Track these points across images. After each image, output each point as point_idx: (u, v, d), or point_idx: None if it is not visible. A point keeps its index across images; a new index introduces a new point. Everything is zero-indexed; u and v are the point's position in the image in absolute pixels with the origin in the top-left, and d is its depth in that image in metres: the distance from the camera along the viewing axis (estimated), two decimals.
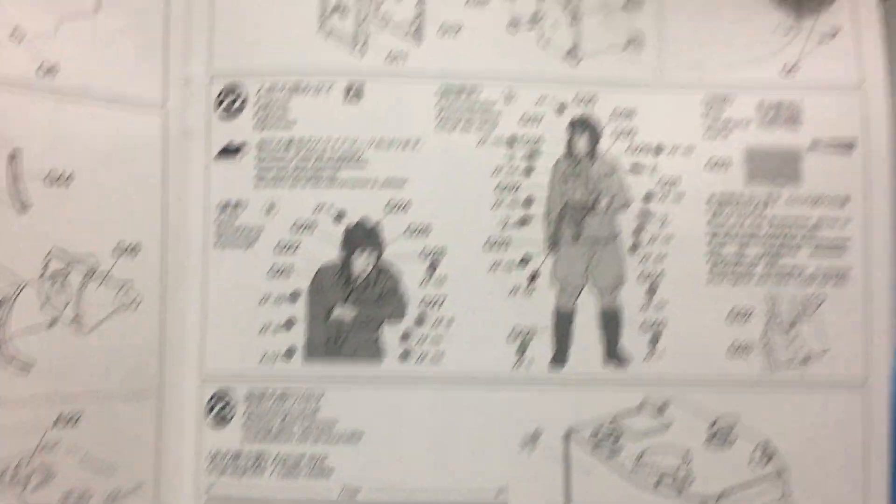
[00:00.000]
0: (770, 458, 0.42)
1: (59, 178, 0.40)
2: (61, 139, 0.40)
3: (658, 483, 0.42)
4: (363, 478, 0.41)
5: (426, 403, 0.41)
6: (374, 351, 0.41)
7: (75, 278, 0.40)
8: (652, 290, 0.42)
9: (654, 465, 0.42)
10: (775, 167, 0.43)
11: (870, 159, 0.43)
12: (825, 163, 0.43)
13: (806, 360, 0.42)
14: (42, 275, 0.39)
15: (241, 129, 0.42)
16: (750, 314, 0.43)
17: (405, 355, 0.41)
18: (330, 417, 0.41)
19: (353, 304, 0.42)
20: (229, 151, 0.42)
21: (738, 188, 0.43)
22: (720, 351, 0.42)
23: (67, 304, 0.39)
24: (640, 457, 0.42)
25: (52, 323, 0.39)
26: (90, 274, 0.40)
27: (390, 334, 0.42)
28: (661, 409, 0.42)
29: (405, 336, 0.42)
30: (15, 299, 0.38)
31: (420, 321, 0.42)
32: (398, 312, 0.42)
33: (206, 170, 0.42)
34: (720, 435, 0.42)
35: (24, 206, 0.39)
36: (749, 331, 0.42)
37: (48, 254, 0.39)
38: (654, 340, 0.42)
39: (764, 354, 0.42)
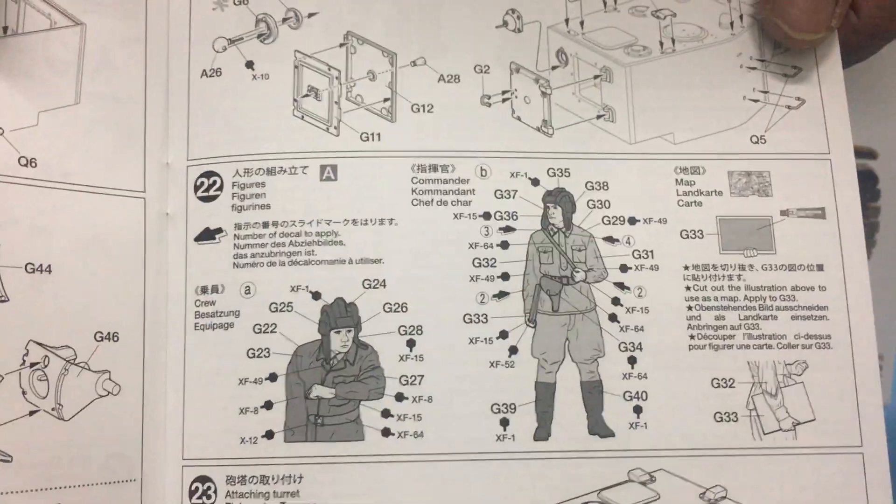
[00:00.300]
0: None
1: (38, 269, 0.40)
2: (41, 229, 0.41)
3: None
4: None
5: (409, 481, 0.41)
6: (354, 430, 0.41)
7: (55, 368, 0.40)
8: (633, 361, 0.42)
9: None
10: (748, 236, 0.43)
11: (841, 227, 0.43)
12: (797, 231, 0.43)
13: (795, 427, 0.42)
14: (21, 365, 0.39)
15: (219, 212, 0.43)
16: (733, 382, 0.42)
17: (386, 433, 0.41)
18: (311, 499, 0.41)
19: (332, 384, 0.41)
20: (207, 235, 0.43)
21: (713, 257, 0.43)
22: (706, 419, 0.42)
23: (47, 393, 0.40)
24: None
25: (33, 413, 0.39)
26: (69, 363, 0.40)
27: (370, 413, 0.41)
28: (649, 481, 0.41)
29: (385, 414, 0.41)
30: None
31: (400, 398, 0.41)
32: (377, 391, 0.41)
33: (185, 254, 0.43)
34: None
35: (2, 298, 0.39)
36: (734, 398, 0.42)
37: (27, 344, 0.40)
38: (638, 411, 0.42)
39: (751, 422, 0.42)
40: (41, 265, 0.40)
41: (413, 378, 0.42)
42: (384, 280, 0.42)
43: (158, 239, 0.43)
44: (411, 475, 0.41)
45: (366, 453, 0.41)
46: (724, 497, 0.41)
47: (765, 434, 0.42)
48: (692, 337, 0.42)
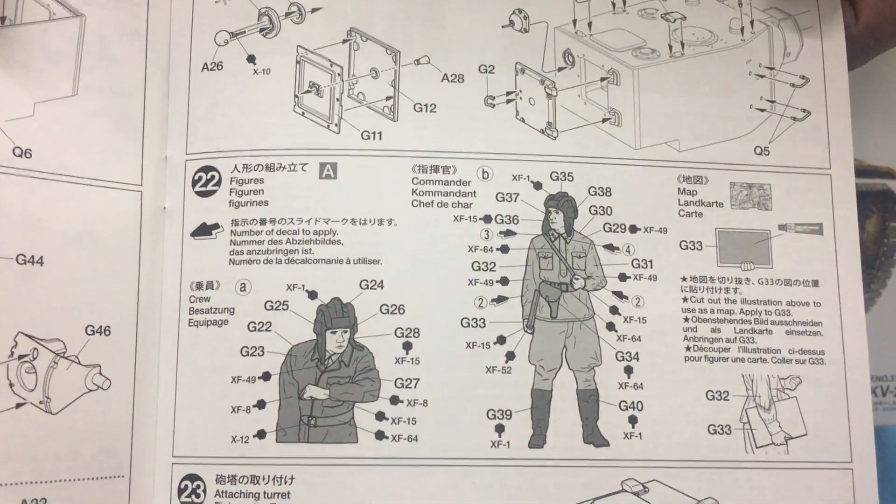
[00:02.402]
0: None
1: (29, 260, 0.40)
2: (34, 221, 0.40)
3: None
4: None
5: (402, 486, 0.40)
6: (347, 432, 0.41)
7: (43, 361, 0.39)
8: (629, 371, 0.42)
9: None
10: (746, 249, 0.43)
11: (838, 244, 0.43)
12: (794, 246, 0.43)
13: (787, 441, 0.42)
14: (10, 357, 0.39)
15: (216, 208, 0.42)
16: (727, 394, 0.42)
17: (380, 436, 0.41)
18: (302, 501, 0.40)
19: (326, 385, 0.41)
20: (204, 230, 0.42)
21: (711, 270, 0.43)
22: (700, 431, 0.41)
23: (35, 386, 0.39)
24: None
25: (20, 406, 0.39)
26: (59, 356, 0.40)
27: (364, 415, 0.41)
28: (642, 492, 0.41)
29: (380, 417, 0.41)
30: None
31: (395, 401, 0.41)
32: (372, 393, 0.41)
33: (181, 249, 0.42)
34: None
35: None
36: (728, 411, 0.42)
37: (16, 336, 0.39)
38: (633, 421, 0.41)
39: (744, 435, 0.42)
40: (33, 257, 0.40)
41: (409, 381, 0.41)
42: (382, 281, 0.42)
43: (154, 233, 0.42)
44: (404, 479, 0.40)
45: (359, 456, 0.40)
46: None
47: (757, 447, 0.41)
48: (688, 348, 0.42)
